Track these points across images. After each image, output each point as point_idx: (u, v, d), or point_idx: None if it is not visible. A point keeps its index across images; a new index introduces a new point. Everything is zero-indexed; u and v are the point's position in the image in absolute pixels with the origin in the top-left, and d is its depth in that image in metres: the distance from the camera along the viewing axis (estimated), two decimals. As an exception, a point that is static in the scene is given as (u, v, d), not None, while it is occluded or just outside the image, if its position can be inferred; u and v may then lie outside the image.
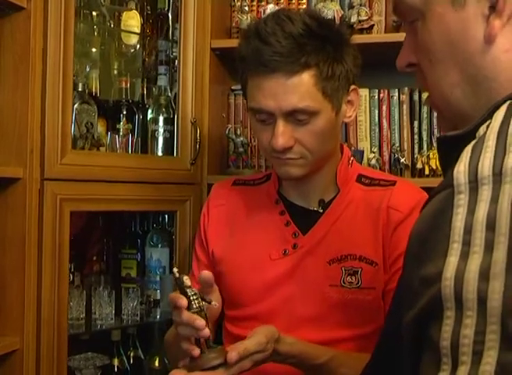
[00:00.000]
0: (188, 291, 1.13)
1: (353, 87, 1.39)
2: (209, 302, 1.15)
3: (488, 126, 0.69)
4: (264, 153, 1.47)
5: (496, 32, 0.77)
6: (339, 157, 1.45)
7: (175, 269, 1.14)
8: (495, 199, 0.63)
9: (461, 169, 0.66)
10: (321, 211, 1.43)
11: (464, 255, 0.63)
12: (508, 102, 0.70)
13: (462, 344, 0.62)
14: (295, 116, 1.31)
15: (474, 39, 0.78)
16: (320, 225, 1.41)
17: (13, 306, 1.62)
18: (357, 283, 1.35)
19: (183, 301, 1.11)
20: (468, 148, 0.68)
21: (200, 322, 1.11)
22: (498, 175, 0.63)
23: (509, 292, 0.60)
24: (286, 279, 1.40)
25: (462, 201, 0.65)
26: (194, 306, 1.12)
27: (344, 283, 1.36)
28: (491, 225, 0.62)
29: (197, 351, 1.13)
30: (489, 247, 0.62)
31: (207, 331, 1.12)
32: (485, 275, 0.61)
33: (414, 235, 0.73)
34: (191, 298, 1.12)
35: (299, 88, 1.29)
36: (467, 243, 0.64)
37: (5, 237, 1.63)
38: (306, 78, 1.29)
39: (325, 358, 1.27)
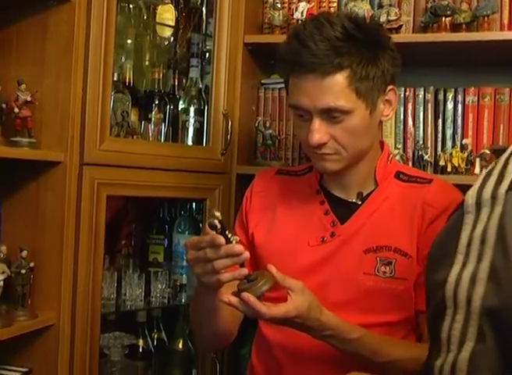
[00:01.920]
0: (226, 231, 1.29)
1: (390, 87, 1.50)
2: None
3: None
4: (304, 147, 1.60)
5: None
6: (378, 153, 1.58)
7: (217, 213, 1.27)
8: (489, 218, 0.80)
9: (471, 192, 0.84)
10: (360, 203, 1.56)
11: (464, 264, 0.80)
12: None
13: (452, 336, 0.79)
14: (330, 114, 1.43)
15: None
16: (358, 216, 1.54)
17: (51, 284, 1.74)
18: (391, 273, 1.47)
19: (222, 240, 1.26)
20: (483, 173, 0.85)
21: (240, 247, 1.28)
22: (494, 198, 0.80)
23: (486, 297, 0.77)
24: (322, 265, 1.52)
25: (469, 219, 0.83)
26: (234, 242, 1.28)
27: (378, 272, 1.48)
28: (483, 239, 0.79)
29: (245, 270, 1.30)
30: (480, 257, 0.79)
31: (248, 253, 1.29)
32: (473, 280, 0.78)
33: (434, 245, 0.90)
34: (229, 235, 1.28)
35: (333, 88, 1.41)
36: (467, 254, 0.80)
37: (45, 218, 1.76)
38: (340, 79, 1.41)
39: (358, 335, 1.40)
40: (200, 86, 2.19)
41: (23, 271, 1.66)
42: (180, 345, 2.18)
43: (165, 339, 2.18)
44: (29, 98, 1.70)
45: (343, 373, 1.27)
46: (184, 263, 2.14)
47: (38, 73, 1.76)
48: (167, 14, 2.14)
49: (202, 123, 2.14)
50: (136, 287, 2.02)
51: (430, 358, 0.85)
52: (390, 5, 2.04)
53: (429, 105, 2.06)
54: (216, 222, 1.26)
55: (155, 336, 2.16)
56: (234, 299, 1.31)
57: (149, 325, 2.14)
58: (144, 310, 2.08)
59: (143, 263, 2.21)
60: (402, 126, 2.08)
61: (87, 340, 1.78)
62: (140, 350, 2.10)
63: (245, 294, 1.29)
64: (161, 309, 2.15)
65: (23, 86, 1.69)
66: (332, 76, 1.41)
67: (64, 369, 1.74)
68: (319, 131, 1.44)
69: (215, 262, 1.29)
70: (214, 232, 1.28)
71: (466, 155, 1.95)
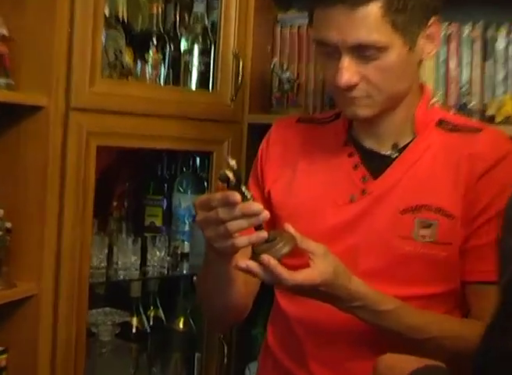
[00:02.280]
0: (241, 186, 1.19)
1: (432, 19, 1.40)
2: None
3: None
4: (330, 90, 1.54)
5: None
6: (418, 98, 1.49)
7: (232, 162, 1.17)
8: None
9: None
10: (395, 155, 1.47)
11: None
12: None
13: None
14: (362, 51, 1.34)
15: None
16: (393, 170, 1.44)
17: (31, 248, 1.66)
18: (432, 236, 1.38)
19: (237, 196, 1.17)
20: None
21: (258, 205, 1.20)
22: None
23: None
24: (351, 228, 1.44)
25: None
26: (249, 197, 1.18)
27: (417, 235, 1.39)
28: None
29: (264, 234, 1.21)
30: None
31: (267, 212, 1.20)
32: None
33: (510, 204, 0.82)
34: (243, 189, 1.18)
35: (365, 21, 1.31)
36: None
37: (26, 172, 1.67)
38: (373, 9, 1.31)
39: (392, 306, 1.33)
40: (206, 23, 2.08)
41: (-1, 233, 1.58)
42: (181, 325, 2.12)
43: (163, 317, 2.11)
44: (5, 32, 1.61)
45: (375, 354, 1.16)
46: (186, 228, 2.08)
47: (18, 8, 1.66)
48: None
49: (208, 66, 2.04)
50: (130, 254, 1.93)
51: (503, 339, 0.76)
52: None
53: (476, 44, 1.92)
54: (229, 173, 1.16)
55: (151, 314, 2.09)
56: (253, 264, 1.23)
57: (144, 300, 2.06)
58: (138, 281, 2.00)
59: (138, 228, 2.12)
60: (443, 69, 1.94)
61: (73, 315, 1.70)
62: (134, 330, 2.03)
63: (265, 257, 1.21)
64: (159, 281, 2.08)
65: (-1, 19, 1.59)
66: (364, 6, 1.30)
67: (45, 349, 1.68)
68: (349, 70, 1.34)
69: (228, 224, 1.21)
70: (225, 185, 1.19)
71: (520, 102, 1.85)
